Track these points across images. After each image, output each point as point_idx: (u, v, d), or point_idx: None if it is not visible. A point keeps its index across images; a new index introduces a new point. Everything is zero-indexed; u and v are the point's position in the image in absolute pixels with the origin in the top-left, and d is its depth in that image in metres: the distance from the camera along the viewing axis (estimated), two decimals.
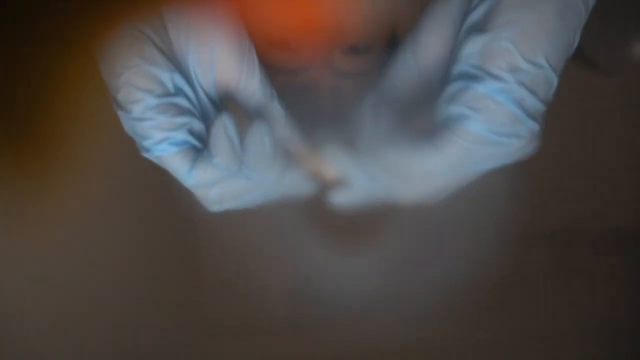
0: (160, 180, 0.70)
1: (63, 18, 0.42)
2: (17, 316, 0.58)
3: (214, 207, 0.42)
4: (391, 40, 0.48)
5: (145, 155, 0.40)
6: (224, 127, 0.37)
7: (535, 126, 0.35)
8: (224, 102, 0.40)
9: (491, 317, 0.68)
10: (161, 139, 0.37)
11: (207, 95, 0.40)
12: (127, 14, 0.47)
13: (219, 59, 0.38)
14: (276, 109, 0.41)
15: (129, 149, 0.67)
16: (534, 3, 0.34)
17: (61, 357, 0.61)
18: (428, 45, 0.39)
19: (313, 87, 0.46)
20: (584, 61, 0.59)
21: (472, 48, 0.35)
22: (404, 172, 0.36)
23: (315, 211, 0.57)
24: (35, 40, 0.45)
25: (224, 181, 0.38)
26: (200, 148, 0.39)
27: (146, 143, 0.39)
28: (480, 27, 0.35)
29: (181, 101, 0.38)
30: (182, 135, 0.38)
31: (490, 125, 0.34)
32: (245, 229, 0.64)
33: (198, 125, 0.38)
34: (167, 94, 0.37)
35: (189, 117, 0.38)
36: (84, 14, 0.43)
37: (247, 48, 0.40)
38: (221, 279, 0.69)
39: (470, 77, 0.35)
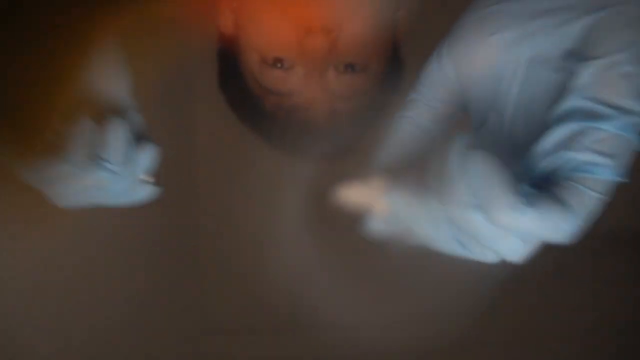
0: (162, 183, 0.70)
1: (62, 19, 0.42)
2: (17, 316, 0.58)
3: (63, 202, 0.39)
4: (393, 59, 0.47)
5: None
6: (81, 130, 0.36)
7: None
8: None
9: (492, 318, 0.68)
10: None
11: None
12: (122, 16, 0.47)
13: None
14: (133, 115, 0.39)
15: None
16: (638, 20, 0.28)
17: (61, 357, 0.61)
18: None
19: (308, 109, 0.44)
20: None
21: (582, 79, 0.28)
22: (521, 234, 0.27)
23: (315, 215, 0.57)
24: (35, 42, 0.45)
25: (73, 176, 0.37)
26: None
27: None
28: (583, 54, 0.29)
29: None
30: None
31: (624, 168, 0.28)
32: (246, 231, 0.64)
33: None
34: None
35: None
36: (82, 16, 0.43)
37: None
38: (221, 279, 0.69)
39: (587, 114, 0.28)
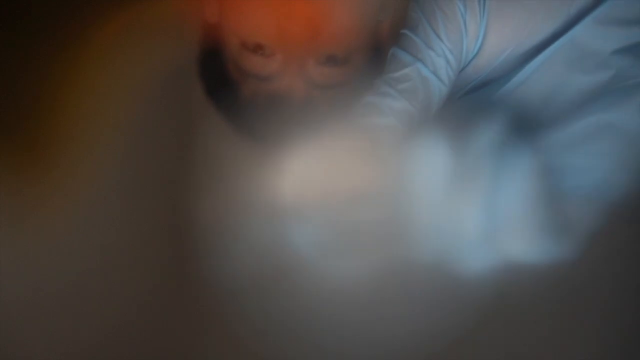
0: (159, 183, 0.70)
1: (63, 23, 0.43)
2: (16, 316, 0.58)
3: None
4: (376, 53, 0.47)
5: None
6: None
7: None
8: None
9: (491, 317, 0.67)
10: None
11: None
12: (126, 20, 0.47)
13: None
14: None
15: (130, 152, 0.67)
16: None
17: (60, 357, 0.61)
18: None
19: (285, 96, 0.45)
20: None
21: None
22: None
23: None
24: (34, 44, 0.46)
25: None
26: None
27: None
28: None
29: None
30: None
31: None
32: (243, 230, 0.64)
33: None
34: None
35: None
36: (84, 19, 0.44)
37: None
38: (220, 279, 0.69)
39: None
